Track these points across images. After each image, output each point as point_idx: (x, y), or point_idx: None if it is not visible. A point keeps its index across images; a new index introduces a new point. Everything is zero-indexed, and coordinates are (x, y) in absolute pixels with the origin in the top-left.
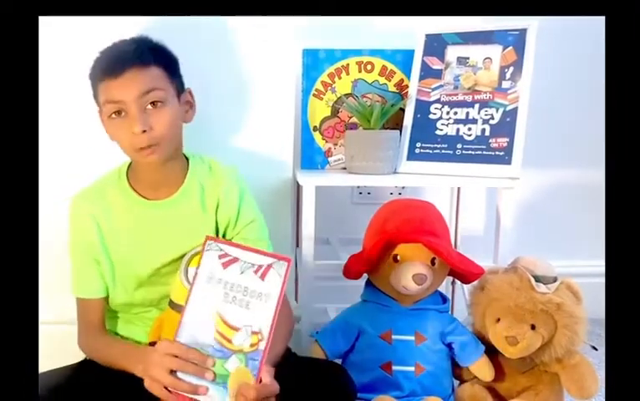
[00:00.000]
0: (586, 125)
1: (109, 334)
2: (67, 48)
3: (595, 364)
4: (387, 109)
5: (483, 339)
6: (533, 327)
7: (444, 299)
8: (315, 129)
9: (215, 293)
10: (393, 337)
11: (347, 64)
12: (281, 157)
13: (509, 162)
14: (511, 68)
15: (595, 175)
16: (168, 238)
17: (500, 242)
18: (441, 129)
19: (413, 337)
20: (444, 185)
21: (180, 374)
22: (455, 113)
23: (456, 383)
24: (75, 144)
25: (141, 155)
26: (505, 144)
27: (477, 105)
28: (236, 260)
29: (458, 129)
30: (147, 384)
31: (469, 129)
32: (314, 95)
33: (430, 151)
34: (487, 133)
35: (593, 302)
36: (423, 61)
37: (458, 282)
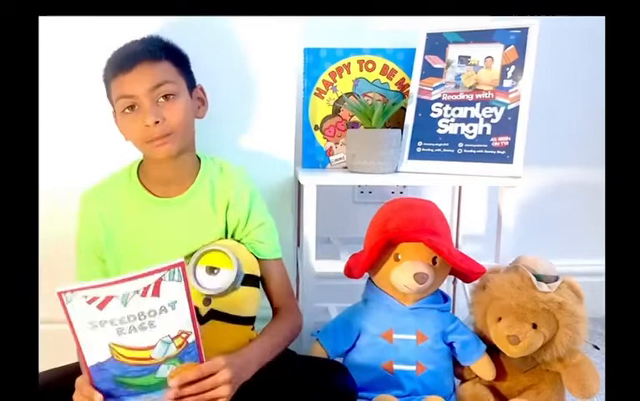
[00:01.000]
0: (587, 124)
1: None
2: (70, 48)
3: (596, 363)
4: (388, 108)
5: (484, 338)
6: (534, 327)
7: (446, 298)
8: (316, 128)
9: (105, 336)
10: (395, 336)
11: (349, 63)
12: (282, 156)
13: (510, 161)
14: (513, 67)
15: (596, 175)
16: (177, 236)
17: (502, 241)
18: (442, 128)
19: (414, 337)
20: (446, 184)
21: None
22: (457, 112)
23: (457, 382)
24: (75, 144)
25: (154, 147)
26: (507, 143)
27: (478, 104)
28: (109, 298)
29: (459, 128)
30: None
31: (471, 128)
32: (315, 94)
33: (432, 150)
34: (488, 132)
35: (595, 302)
36: (424, 60)
37: (459, 281)
